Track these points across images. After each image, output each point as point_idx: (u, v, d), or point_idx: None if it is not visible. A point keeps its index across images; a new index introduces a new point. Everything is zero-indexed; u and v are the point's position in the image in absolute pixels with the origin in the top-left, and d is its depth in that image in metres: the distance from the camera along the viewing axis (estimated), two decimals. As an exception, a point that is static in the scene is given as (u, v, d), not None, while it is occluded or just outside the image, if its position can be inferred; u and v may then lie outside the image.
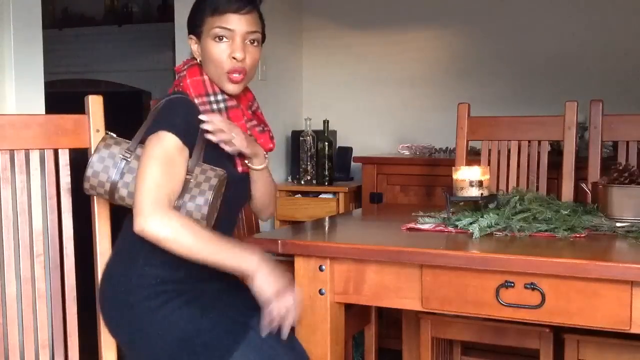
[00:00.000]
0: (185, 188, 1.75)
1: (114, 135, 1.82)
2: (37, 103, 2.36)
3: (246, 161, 1.91)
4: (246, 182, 1.95)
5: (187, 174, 1.76)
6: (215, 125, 1.80)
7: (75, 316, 1.77)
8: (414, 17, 4.02)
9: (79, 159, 1.79)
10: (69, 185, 1.77)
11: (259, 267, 1.73)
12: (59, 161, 1.77)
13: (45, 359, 1.74)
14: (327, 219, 2.54)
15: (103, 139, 1.79)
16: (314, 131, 3.81)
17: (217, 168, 1.80)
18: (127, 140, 1.80)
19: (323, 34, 4.25)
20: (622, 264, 1.61)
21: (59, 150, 1.77)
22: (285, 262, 2.44)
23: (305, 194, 3.80)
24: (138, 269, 1.79)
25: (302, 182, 3.82)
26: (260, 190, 1.99)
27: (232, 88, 1.87)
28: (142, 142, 1.79)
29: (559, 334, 2.28)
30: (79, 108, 1.80)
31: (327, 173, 3.79)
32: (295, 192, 3.81)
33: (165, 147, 1.74)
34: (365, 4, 4.14)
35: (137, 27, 5.29)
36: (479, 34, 3.90)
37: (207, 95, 1.86)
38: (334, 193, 3.73)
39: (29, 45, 2.33)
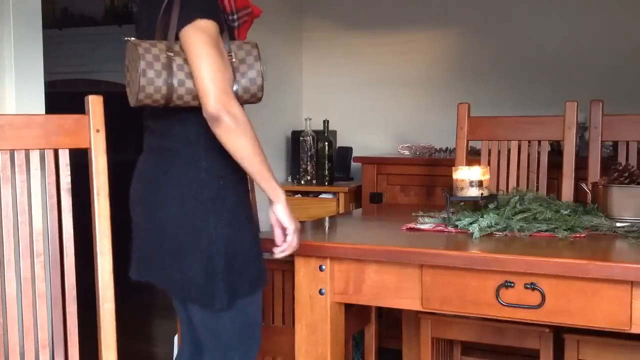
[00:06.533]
0: (232, 68, 1.78)
1: (136, 40, 1.77)
2: (37, 103, 2.36)
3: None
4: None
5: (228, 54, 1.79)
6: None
7: (75, 316, 1.77)
8: (414, 17, 4.02)
9: (79, 159, 1.79)
10: (69, 185, 1.76)
11: (285, 199, 1.83)
12: (59, 161, 1.77)
13: (45, 359, 1.73)
14: (327, 219, 2.54)
15: (135, 46, 1.74)
16: (314, 131, 3.82)
17: (247, 40, 1.82)
18: (153, 41, 1.77)
19: (323, 34, 4.25)
20: (622, 264, 1.62)
21: (59, 150, 1.76)
22: (285, 262, 2.44)
23: (305, 194, 3.80)
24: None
25: (302, 182, 3.82)
26: None
27: None
28: (176, 36, 1.76)
29: (559, 334, 2.27)
30: (79, 108, 1.79)
31: (327, 173, 3.79)
32: (295, 192, 3.81)
33: (209, 33, 1.74)
34: (365, 4, 4.14)
35: (137, 27, 5.28)
36: (479, 34, 3.90)
37: None
38: (334, 193, 3.73)
39: (29, 45, 2.33)
